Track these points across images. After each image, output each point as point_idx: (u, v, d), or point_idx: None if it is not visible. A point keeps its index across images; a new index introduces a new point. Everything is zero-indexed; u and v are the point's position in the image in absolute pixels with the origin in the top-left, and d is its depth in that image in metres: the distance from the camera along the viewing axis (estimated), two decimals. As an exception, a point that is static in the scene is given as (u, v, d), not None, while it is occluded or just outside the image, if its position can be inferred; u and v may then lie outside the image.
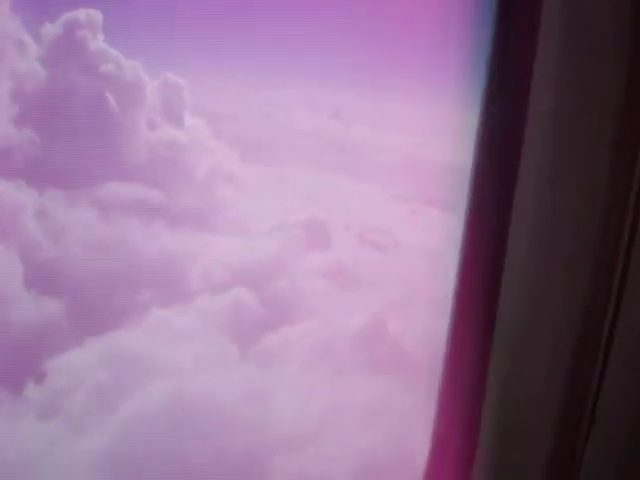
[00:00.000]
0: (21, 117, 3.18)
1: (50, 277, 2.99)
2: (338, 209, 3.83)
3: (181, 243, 3.23)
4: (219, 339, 2.91)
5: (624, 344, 1.13)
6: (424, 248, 3.32)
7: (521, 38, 1.06)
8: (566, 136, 1.06)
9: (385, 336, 3.06)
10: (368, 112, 4.03)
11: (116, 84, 3.42)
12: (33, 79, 3.23)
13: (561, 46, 1.02)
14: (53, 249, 3.01)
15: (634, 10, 1.00)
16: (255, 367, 2.85)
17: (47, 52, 3.31)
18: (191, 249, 3.25)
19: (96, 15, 3.42)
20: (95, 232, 3.12)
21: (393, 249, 3.65)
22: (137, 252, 3.15)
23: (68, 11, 3.36)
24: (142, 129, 3.43)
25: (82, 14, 3.38)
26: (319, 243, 3.53)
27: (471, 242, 1.19)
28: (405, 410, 2.83)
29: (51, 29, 3.32)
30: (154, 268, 3.15)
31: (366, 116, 4.11)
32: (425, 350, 3.00)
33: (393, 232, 3.62)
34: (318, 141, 4.30)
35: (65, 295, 2.96)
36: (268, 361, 2.90)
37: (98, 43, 3.41)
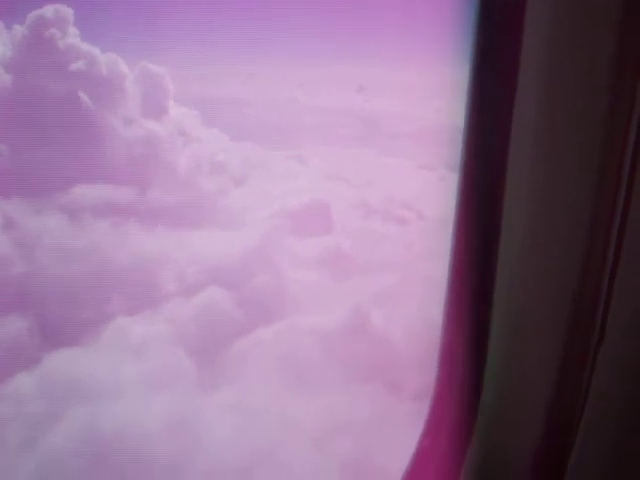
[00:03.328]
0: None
1: (16, 293, 2.83)
2: (357, 187, 3.51)
3: (156, 243, 2.98)
4: (175, 353, 2.61)
5: (616, 337, 1.10)
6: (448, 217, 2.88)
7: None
8: (558, 101, 1.04)
9: (368, 334, 2.63)
10: (382, 84, 3.74)
11: (89, 81, 3.23)
12: (-3, 85, 3.10)
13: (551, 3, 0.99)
14: (20, 263, 2.85)
15: None
16: (207, 385, 2.52)
17: (13, 55, 3.17)
18: (167, 249, 2.98)
19: (65, 11, 3.25)
20: (64, 240, 2.93)
21: (416, 222, 3.26)
22: (108, 257, 2.92)
23: (35, 9, 3.21)
24: (118, 126, 3.22)
25: (50, 11, 3.22)
26: (318, 229, 3.16)
27: (464, 208, 1.15)
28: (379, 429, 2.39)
29: (18, 30, 3.19)
30: (125, 273, 2.91)
31: (382, 88, 3.82)
32: (411, 351, 2.55)
33: (417, 203, 3.25)
34: (340, 118, 3.98)
35: (30, 312, 2.78)
36: (225, 377, 2.56)
37: (68, 40, 3.24)
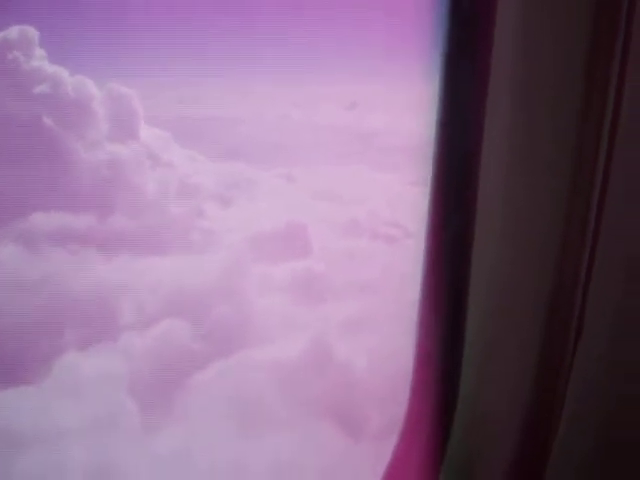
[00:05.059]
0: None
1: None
2: (346, 205, 3.28)
3: (115, 272, 2.78)
4: (120, 394, 2.39)
5: (592, 338, 1.12)
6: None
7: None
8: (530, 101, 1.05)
9: (332, 364, 2.36)
10: (374, 100, 3.54)
11: (55, 104, 3.08)
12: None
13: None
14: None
15: None
16: (149, 429, 2.29)
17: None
18: (127, 278, 2.78)
19: (30, 32, 3.12)
20: (18, 271, 2.76)
21: (402, 240, 3.01)
22: (64, 288, 2.74)
23: (-1, 30, 3.09)
24: (83, 150, 3.05)
25: (14, 32, 3.09)
26: (293, 252, 2.92)
27: (436, 218, 1.16)
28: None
29: (-21, 55, 3.07)
30: (81, 304, 2.72)
31: (374, 104, 3.61)
32: (376, 386, 2.26)
33: (405, 221, 3.00)
34: (332, 135, 3.76)
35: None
36: (170, 418, 2.33)
37: (34, 62, 3.11)
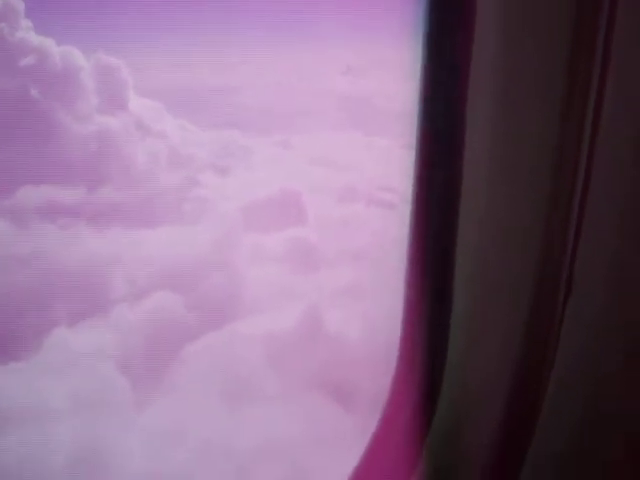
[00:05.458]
0: None
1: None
2: (342, 171, 3.21)
3: (107, 245, 2.73)
4: (110, 369, 2.35)
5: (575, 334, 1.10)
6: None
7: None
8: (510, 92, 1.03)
9: (323, 335, 2.30)
10: (369, 63, 3.47)
11: (42, 76, 3.02)
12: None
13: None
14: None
15: None
16: (138, 404, 2.25)
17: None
18: (119, 250, 2.73)
19: (16, 3, 3.05)
20: (8, 245, 2.72)
21: (399, 205, 2.94)
22: (55, 262, 2.70)
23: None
24: (71, 122, 2.99)
25: (-3, 5, 3.03)
26: (288, 221, 2.85)
27: (420, 194, 1.11)
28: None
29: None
30: (73, 278, 2.68)
31: (369, 68, 3.54)
32: (366, 356, 2.20)
33: (402, 185, 2.93)
34: (328, 100, 3.68)
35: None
36: (159, 394, 2.28)
37: (20, 33, 3.04)
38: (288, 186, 2.95)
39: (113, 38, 3.04)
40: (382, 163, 3.23)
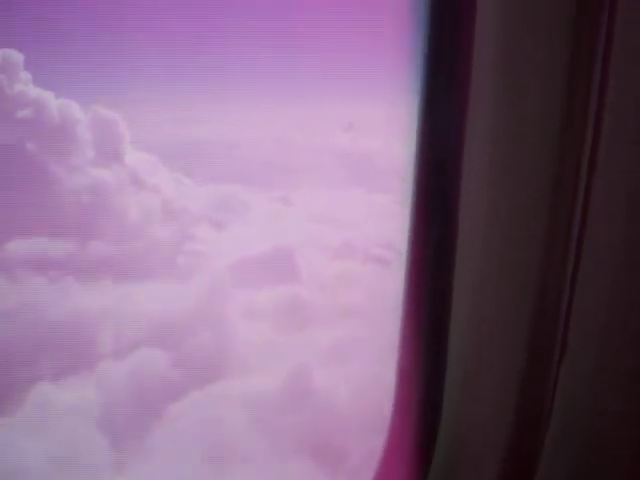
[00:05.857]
0: None
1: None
2: (341, 228, 3.17)
3: (95, 300, 2.68)
4: (88, 432, 2.27)
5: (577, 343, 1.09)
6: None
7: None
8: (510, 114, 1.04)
9: (311, 398, 2.22)
10: (370, 121, 3.45)
11: (38, 128, 3.01)
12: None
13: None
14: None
15: None
16: (115, 466, 2.17)
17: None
18: (107, 305, 2.68)
19: (15, 56, 3.06)
20: (-4, 299, 2.68)
21: (395, 262, 2.88)
22: (43, 316, 2.65)
23: (-20, 56, 3.03)
24: (65, 175, 2.97)
25: (-4, 57, 3.04)
26: (280, 277, 2.80)
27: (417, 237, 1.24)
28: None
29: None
30: (58, 333, 2.62)
31: (371, 125, 3.52)
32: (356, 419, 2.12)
33: (399, 242, 2.88)
34: (330, 157, 3.66)
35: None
36: (138, 455, 2.20)
37: (18, 86, 3.04)
38: (283, 242, 2.91)
39: (112, 91, 3.03)
40: (381, 220, 3.18)
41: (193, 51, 3.32)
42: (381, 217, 3.18)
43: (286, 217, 3.33)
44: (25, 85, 3.02)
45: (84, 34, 3.00)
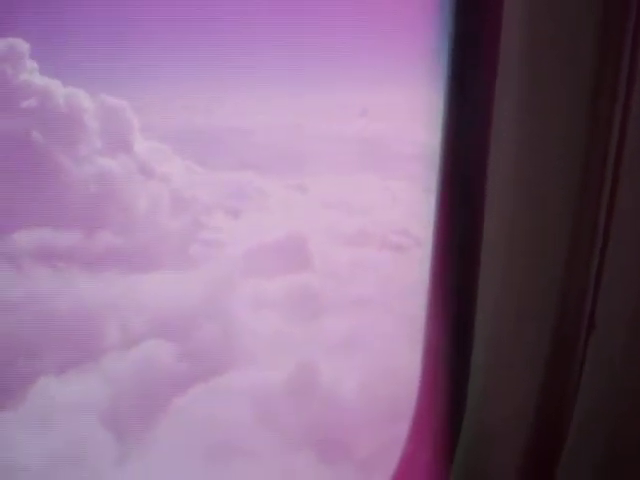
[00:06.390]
0: None
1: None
2: (357, 214, 3.08)
3: (101, 291, 2.62)
4: (91, 425, 2.21)
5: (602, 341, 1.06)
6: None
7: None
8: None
9: (317, 391, 2.12)
10: (386, 106, 3.36)
11: (44, 118, 2.96)
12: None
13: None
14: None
15: None
16: (119, 458, 2.10)
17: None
18: (113, 297, 2.61)
19: (21, 44, 3.01)
20: (2, 290, 2.63)
21: (412, 249, 2.79)
22: (48, 307, 2.59)
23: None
24: (72, 165, 2.92)
25: (2, 45, 2.99)
26: (292, 266, 2.71)
27: (443, 224, 1.13)
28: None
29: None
30: (64, 324, 2.57)
31: (386, 110, 3.43)
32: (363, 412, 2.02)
33: (416, 229, 2.79)
34: (345, 143, 3.56)
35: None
36: (142, 448, 2.13)
37: (24, 75, 2.99)
38: (298, 230, 2.82)
39: (120, 80, 2.97)
40: (398, 206, 3.09)
41: (205, 38, 3.24)
42: (397, 203, 3.07)
43: (301, 204, 3.24)
44: (31, 74, 2.97)
45: (92, 22, 2.93)
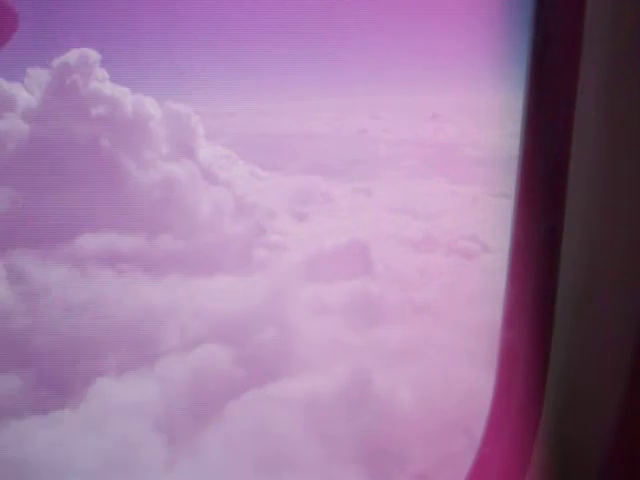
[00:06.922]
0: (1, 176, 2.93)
1: (15, 350, 2.60)
2: (424, 219, 3.00)
3: (163, 294, 2.62)
4: (144, 428, 2.20)
5: None
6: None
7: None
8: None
9: (371, 402, 2.04)
10: (455, 111, 3.27)
11: (112, 125, 3.00)
12: (16, 135, 2.97)
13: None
14: (22, 318, 2.63)
15: None
16: (166, 463, 2.08)
17: (35, 104, 3.03)
18: (174, 300, 2.61)
19: (92, 54, 3.07)
20: (67, 292, 2.67)
21: (480, 255, 2.69)
22: (111, 310, 2.61)
23: (58, 55, 3.05)
24: (138, 170, 2.94)
25: (74, 56, 3.05)
26: (354, 272, 2.64)
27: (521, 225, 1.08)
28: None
29: (41, 76, 3.05)
30: (126, 327, 2.58)
31: (455, 115, 3.34)
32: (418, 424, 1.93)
33: (485, 234, 2.69)
34: (412, 147, 3.49)
35: (25, 370, 2.52)
36: (191, 452, 2.10)
37: (92, 85, 3.04)
38: (362, 235, 2.76)
39: (187, 87, 2.98)
40: (466, 212, 2.98)
41: (269, 45, 3.22)
42: (465, 208, 2.97)
43: (367, 209, 3.18)
44: (101, 82, 3.01)
45: (160, 32, 2.96)
